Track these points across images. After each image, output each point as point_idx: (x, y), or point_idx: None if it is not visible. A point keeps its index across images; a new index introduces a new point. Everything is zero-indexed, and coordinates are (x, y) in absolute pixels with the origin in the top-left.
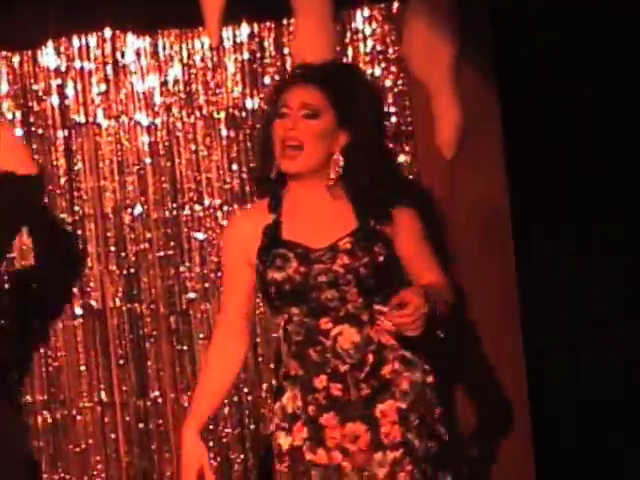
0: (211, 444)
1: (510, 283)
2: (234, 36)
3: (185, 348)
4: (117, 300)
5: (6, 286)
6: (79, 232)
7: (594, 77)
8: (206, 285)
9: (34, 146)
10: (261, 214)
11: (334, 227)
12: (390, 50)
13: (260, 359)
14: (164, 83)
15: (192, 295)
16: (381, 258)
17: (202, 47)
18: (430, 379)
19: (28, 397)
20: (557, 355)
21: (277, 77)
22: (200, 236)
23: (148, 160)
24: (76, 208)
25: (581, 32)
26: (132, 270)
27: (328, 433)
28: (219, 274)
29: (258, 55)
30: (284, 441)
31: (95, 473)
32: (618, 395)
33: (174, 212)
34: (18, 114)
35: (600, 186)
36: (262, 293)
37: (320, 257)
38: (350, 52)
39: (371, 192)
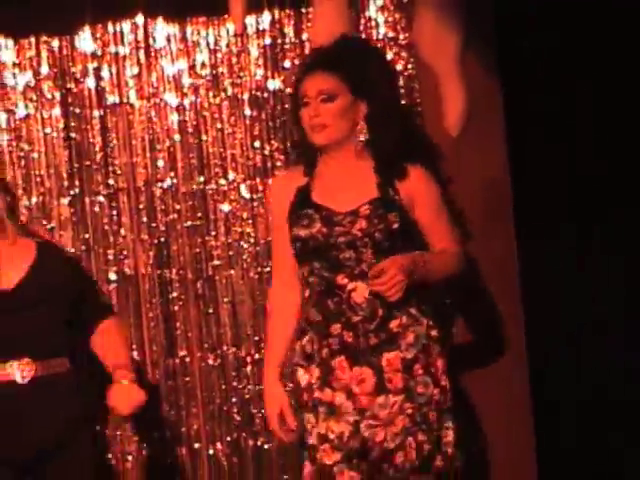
0: (234, 399)
1: (511, 261)
2: (257, 23)
3: (210, 311)
4: (148, 267)
5: None
6: (113, 204)
7: (595, 75)
8: (230, 253)
9: (72, 124)
10: (297, 176)
11: (357, 194)
12: (401, 37)
13: None
14: (192, 67)
15: (217, 262)
16: (395, 225)
17: (227, 33)
18: (434, 333)
19: None
20: (557, 349)
21: (297, 61)
22: (225, 208)
23: (177, 138)
24: (111, 182)
25: (583, 29)
26: (162, 239)
27: (337, 375)
28: (242, 243)
29: (279, 41)
30: (302, 377)
31: None
32: (618, 395)
33: (201, 186)
34: (57, 95)
35: (600, 186)
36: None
37: (342, 220)
38: (362, 37)
39: (394, 152)
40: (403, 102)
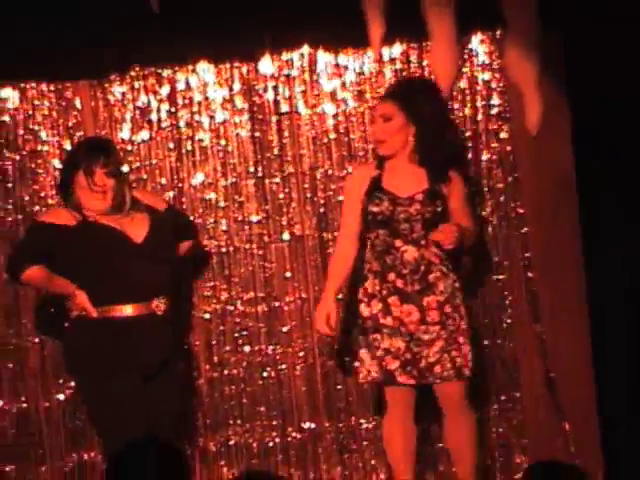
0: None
1: (575, 246)
2: (390, 53)
3: None
4: (311, 230)
5: None
6: (286, 184)
7: None
8: None
9: (256, 126)
10: (371, 169)
11: (413, 186)
12: (495, 63)
13: None
14: (343, 84)
15: None
16: (439, 209)
17: (368, 60)
18: (457, 284)
19: (252, 293)
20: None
21: None
22: None
23: (332, 136)
24: (284, 168)
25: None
26: (321, 210)
27: (392, 309)
28: None
29: (406, 66)
30: (364, 310)
31: (295, 345)
32: None
33: (349, 170)
34: (245, 105)
35: None
36: (363, 218)
37: (402, 202)
38: (467, 64)
39: (436, 162)
40: (448, 121)
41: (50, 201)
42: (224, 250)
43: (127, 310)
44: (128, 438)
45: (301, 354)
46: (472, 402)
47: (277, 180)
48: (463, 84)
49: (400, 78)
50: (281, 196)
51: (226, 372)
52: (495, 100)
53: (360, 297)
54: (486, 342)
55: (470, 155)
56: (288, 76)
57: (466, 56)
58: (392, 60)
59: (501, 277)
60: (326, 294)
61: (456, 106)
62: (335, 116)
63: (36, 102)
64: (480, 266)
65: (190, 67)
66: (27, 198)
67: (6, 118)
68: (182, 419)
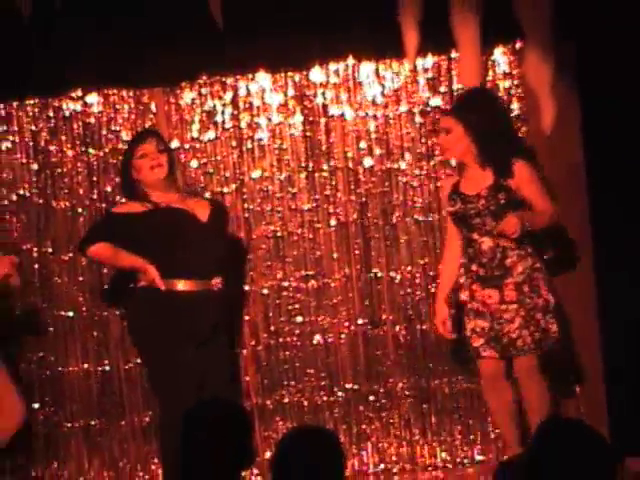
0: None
1: (585, 225)
2: (423, 63)
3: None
4: (354, 216)
5: None
6: (332, 177)
7: None
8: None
9: (307, 127)
10: (453, 177)
11: (480, 184)
12: (515, 71)
13: None
14: (382, 91)
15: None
16: (502, 201)
17: (405, 69)
18: (537, 265)
19: (303, 271)
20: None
21: (446, 89)
22: (403, 180)
23: (373, 136)
24: (331, 162)
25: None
26: (363, 199)
27: (476, 295)
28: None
29: (437, 75)
30: (461, 296)
31: (341, 316)
32: None
33: (387, 165)
34: (298, 108)
35: None
36: (450, 219)
37: (471, 200)
38: (490, 73)
39: (497, 160)
40: (503, 121)
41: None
42: (279, 234)
43: (188, 285)
44: (183, 400)
45: (345, 324)
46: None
47: (325, 174)
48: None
49: (458, 93)
50: (328, 187)
51: (281, 340)
52: (514, 104)
53: (461, 282)
54: None
55: None
56: (335, 83)
57: (489, 64)
58: (425, 70)
59: None
60: (438, 298)
61: None
62: (375, 118)
63: (117, 106)
64: (559, 244)
65: (250, 76)
66: (109, 189)
67: (92, 120)
68: (237, 381)
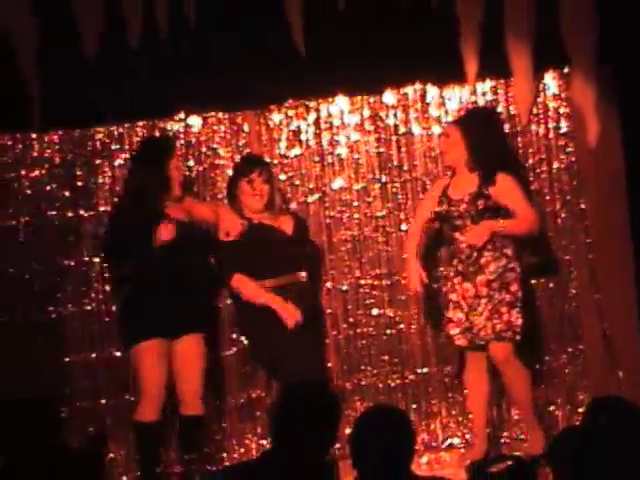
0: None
1: (625, 228)
2: (482, 87)
3: None
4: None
5: None
6: (402, 189)
7: None
8: None
9: (381, 143)
10: (446, 179)
11: (465, 189)
12: (563, 94)
13: None
14: (446, 112)
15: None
16: (480, 207)
17: (465, 93)
18: (511, 265)
19: (377, 270)
20: None
21: (502, 109)
22: None
23: (438, 151)
24: (402, 176)
25: None
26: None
27: (457, 288)
28: None
29: (495, 97)
30: (444, 287)
31: (411, 309)
32: None
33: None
34: (371, 127)
35: None
36: (436, 217)
37: (455, 203)
38: (542, 95)
39: (484, 169)
40: (496, 136)
41: (225, 201)
42: (357, 238)
43: (272, 282)
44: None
45: (415, 316)
46: (524, 358)
47: (397, 185)
48: (538, 110)
49: (469, 109)
50: (400, 197)
51: (358, 330)
52: (563, 122)
53: (441, 280)
54: (557, 307)
55: (544, 166)
56: (404, 106)
57: (541, 87)
58: (483, 93)
59: (567, 257)
60: (410, 259)
61: (533, 127)
62: (440, 136)
63: (215, 127)
64: (538, 250)
65: (330, 99)
66: (208, 198)
67: (193, 139)
68: (325, 365)
